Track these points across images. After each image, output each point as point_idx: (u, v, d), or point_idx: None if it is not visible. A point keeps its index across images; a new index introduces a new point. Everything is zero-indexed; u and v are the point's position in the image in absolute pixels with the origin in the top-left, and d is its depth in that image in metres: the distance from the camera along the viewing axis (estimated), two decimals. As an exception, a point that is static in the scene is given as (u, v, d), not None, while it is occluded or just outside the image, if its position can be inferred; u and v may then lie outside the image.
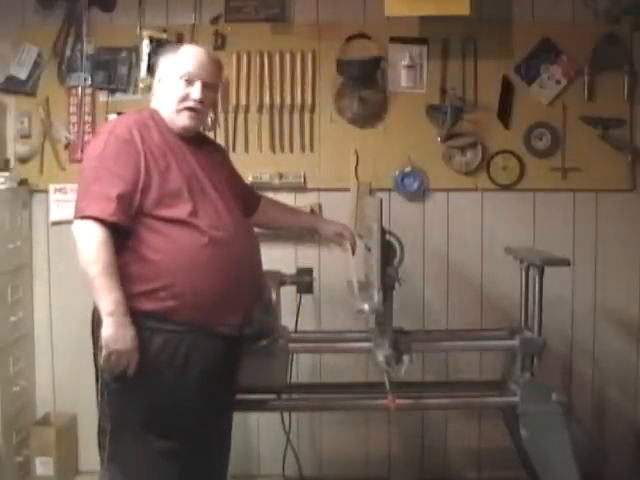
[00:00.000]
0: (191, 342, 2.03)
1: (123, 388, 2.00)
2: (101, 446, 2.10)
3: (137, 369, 1.98)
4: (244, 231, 2.22)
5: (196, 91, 2.13)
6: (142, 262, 2.01)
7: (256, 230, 2.44)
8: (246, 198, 2.45)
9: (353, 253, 2.57)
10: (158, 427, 2.02)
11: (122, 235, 2.00)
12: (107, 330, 1.94)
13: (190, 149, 2.17)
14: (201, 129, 2.39)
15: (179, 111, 2.14)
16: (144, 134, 2.07)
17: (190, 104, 2.14)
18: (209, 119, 3.08)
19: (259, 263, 2.27)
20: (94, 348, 2.10)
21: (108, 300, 1.93)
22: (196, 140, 2.23)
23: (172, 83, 2.14)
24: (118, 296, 1.94)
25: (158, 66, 2.21)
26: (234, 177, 2.44)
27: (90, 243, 1.95)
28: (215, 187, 2.16)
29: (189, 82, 2.13)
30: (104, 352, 1.94)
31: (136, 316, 1.98)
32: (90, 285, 1.96)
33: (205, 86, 2.15)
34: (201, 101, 2.14)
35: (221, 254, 2.06)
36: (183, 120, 2.15)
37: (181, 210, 2.04)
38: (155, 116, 2.16)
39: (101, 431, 2.10)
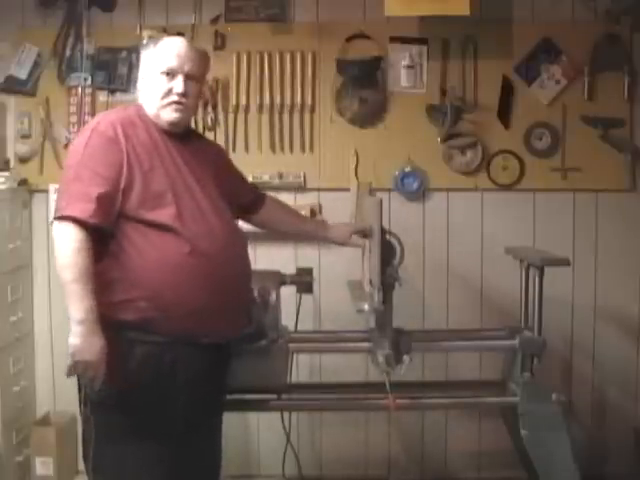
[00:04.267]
0: (175, 353, 1.97)
1: (107, 399, 1.93)
2: (86, 457, 2.04)
3: (120, 380, 1.90)
4: (231, 235, 2.12)
5: (179, 84, 2.04)
6: (123, 269, 1.94)
7: (256, 230, 2.44)
8: (246, 196, 2.39)
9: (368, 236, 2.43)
10: (144, 437, 1.96)
11: (102, 238, 1.93)
12: (75, 339, 1.86)
13: (178, 147, 2.09)
14: (192, 125, 2.33)
15: (163, 106, 2.06)
16: (129, 132, 1.99)
17: (174, 98, 2.05)
18: (209, 118, 3.09)
19: (247, 266, 2.18)
20: None
21: (79, 308, 1.86)
22: (185, 137, 2.15)
23: (154, 79, 2.06)
24: (90, 304, 1.86)
25: (140, 62, 2.13)
26: (231, 175, 2.36)
27: (67, 246, 1.88)
28: (203, 188, 2.08)
29: (171, 76, 2.05)
30: (69, 361, 1.86)
31: (116, 326, 1.91)
32: (64, 289, 1.89)
33: (188, 78, 2.06)
34: (184, 94, 2.06)
35: (205, 264, 1.98)
36: (169, 115, 2.06)
37: (164, 214, 1.96)
38: (141, 112, 2.08)
39: (85, 442, 2.04)
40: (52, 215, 3.11)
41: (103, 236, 1.93)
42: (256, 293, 2.34)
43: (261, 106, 3.11)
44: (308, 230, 2.61)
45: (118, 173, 1.94)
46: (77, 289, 1.86)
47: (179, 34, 3.03)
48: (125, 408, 1.95)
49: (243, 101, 3.10)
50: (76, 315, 1.86)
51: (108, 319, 1.90)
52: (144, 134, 2.03)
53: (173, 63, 2.05)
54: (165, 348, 1.96)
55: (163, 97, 2.06)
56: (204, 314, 1.99)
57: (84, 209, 1.88)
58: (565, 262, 2.47)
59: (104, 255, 1.94)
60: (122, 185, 1.94)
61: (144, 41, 2.10)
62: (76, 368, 1.87)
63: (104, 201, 1.91)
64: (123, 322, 1.93)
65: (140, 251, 1.94)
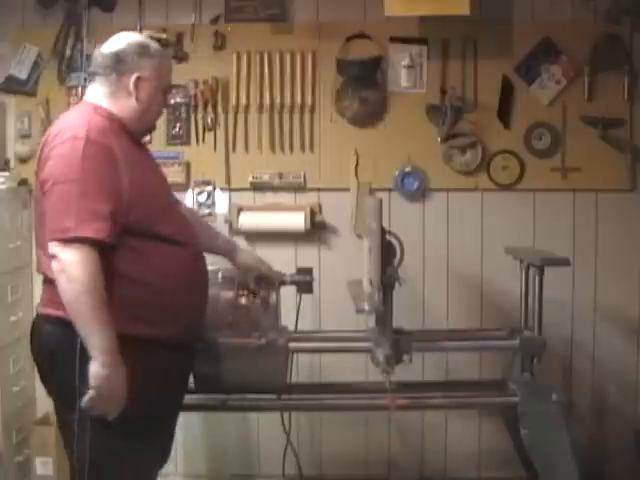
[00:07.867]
0: (170, 359, 1.92)
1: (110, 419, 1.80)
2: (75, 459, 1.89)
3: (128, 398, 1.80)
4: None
5: (167, 99, 2.11)
6: (127, 285, 1.83)
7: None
8: None
9: (279, 286, 2.43)
10: (142, 444, 1.88)
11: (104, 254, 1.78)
12: (101, 369, 1.72)
13: (142, 151, 2.03)
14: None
15: (156, 120, 2.05)
16: (114, 139, 1.85)
17: (163, 112, 2.10)
18: (209, 118, 3.09)
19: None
20: (47, 384, 1.95)
21: (104, 336, 1.72)
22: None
23: (156, 93, 1.97)
24: (112, 331, 1.74)
25: (130, 61, 1.95)
26: None
27: (84, 271, 1.70)
28: (169, 191, 2.09)
29: (166, 92, 2.05)
30: (93, 392, 1.72)
31: (121, 339, 1.77)
32: (81, 317, 1.72)
33: None
34: None
35: (196, 267, 2.02)
36: (155, 126, 2.08)
37: (164, 225, 1.90)
38: (102, 113, 1.91)
39: (75, 470, 1.89)
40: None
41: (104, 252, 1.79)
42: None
43: (261, 106, 3.11)
44: (216, 248, 2.38)
45: (120, 185, 1.81)
46: (100, 316, 1.72)
47: (179, 35, 3.07)
48: (124, 422, 1.82)
49: (243, 101, 3.10)
50: (101, 344, 1.72)
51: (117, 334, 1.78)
52: (120, 139, 1.89)
53: (171, 80, 2.05)
54: (165, 355, 1.90)
55: (160, 112, 2.05)
56: (195, 316, 2.03)
57: (99, 229, 1.74)
58: (565, 262, 2.47)
59: (107, 270, 1.78)
60: (126, 198, 1.81)
61: (139, 45, 1.94)
62: (101, 398, 1.74)
63: (115, 218, 1.78)
64: (130, 336, 1.80)
65: (141, 266, 1.86)
